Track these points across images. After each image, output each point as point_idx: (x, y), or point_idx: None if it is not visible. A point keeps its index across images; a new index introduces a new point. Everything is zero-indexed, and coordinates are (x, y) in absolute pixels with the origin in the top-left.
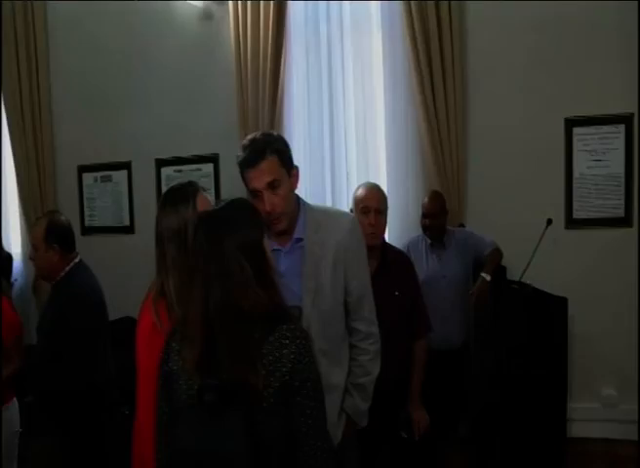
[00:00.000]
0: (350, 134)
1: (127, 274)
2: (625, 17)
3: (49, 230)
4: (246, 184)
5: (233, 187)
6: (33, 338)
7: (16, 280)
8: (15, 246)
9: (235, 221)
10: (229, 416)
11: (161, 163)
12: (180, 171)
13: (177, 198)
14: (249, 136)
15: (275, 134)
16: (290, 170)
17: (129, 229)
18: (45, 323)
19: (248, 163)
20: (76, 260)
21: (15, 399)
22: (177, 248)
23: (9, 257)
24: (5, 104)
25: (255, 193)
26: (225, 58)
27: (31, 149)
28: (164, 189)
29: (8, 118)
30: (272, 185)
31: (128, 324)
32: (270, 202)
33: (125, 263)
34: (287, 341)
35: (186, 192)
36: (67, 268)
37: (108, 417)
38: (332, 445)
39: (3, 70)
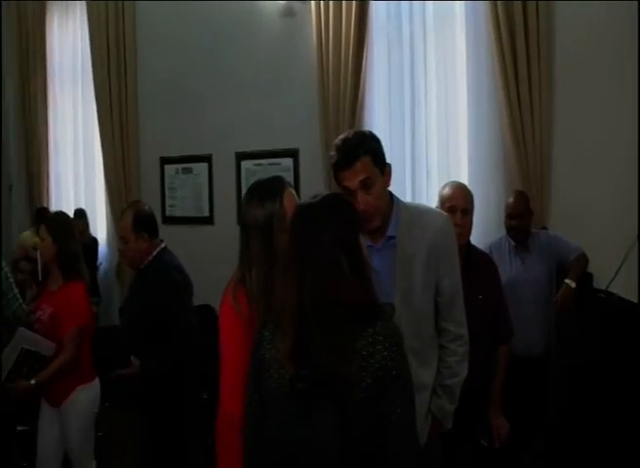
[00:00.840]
0: (431, 132)
1: (205, 263)
2: None
3: (136, 220)
4: (338, 183)
5: (312, 182)
6: (117, 319)
7: (101, 264)
8: (100, 232)
9: (332, 215)
10: (321, 407)
11: (241, 156)
12: (259, 164)
13: (264, 193)
14: (341, 136)
15: (367, 132)
16: (383, 168)
17: (208, 220)
18: (132, 305)
19: (341, 164)
20: (162, 246)
21: (96, 379)
22: (261, 242)
23: (94, 242)
24: (95, 99)
25: (348, 191)
26: (307, 55)
27: (118, 141)
28: (243, 182)
29: (97, 112)
30: (366, 185)
31: (206, 312)
32: (364, 201)
33: (203, 253)
34: (380, 338)
35: (274, 187)
36: (154, 253)
37: (188, 400)
38: (419, 446)
39: (94, 69)
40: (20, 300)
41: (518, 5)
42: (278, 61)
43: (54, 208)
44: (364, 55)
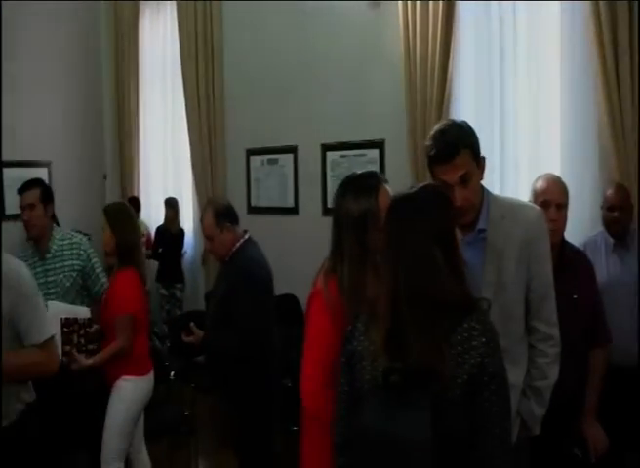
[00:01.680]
0: (521, 125)
1: (289, 253)
2: None
3: (217, 215)
4: (433, 175)
5: (398, 173)
6: (202, 304)
7: (186, 252)
8: (187, 221)
9: (427, 207)
10: (415, 401)
11: (326, 148)
12: (344, 156)
13: (359, 188)
14: (438, 127)
15: (464, 124)
16: (479, 161)
17: (293, 210)
18: (218, 293)
19: (439, 158)
20: (246, 237)
21: (146, 376)
22: (354, 237)
23: (181, 231)
24: (184, 94)
25: (444, 184)
26: (393, 45)
27: (205, 134)
28: (328, 173)
29: (186, 106)
30: (464, 180)
31: (289, 301)
32: (462, 197)
33: (287, 243)
34: (476, 334)
35: (369, 183)
36: (238, 244)
37: (273, 387)
38: (512, 448)
39: (183, 67)
40: (103, 280)
41: (623, 5)
42: (364, 53)
43: (143, 197)
44: (451, 45)
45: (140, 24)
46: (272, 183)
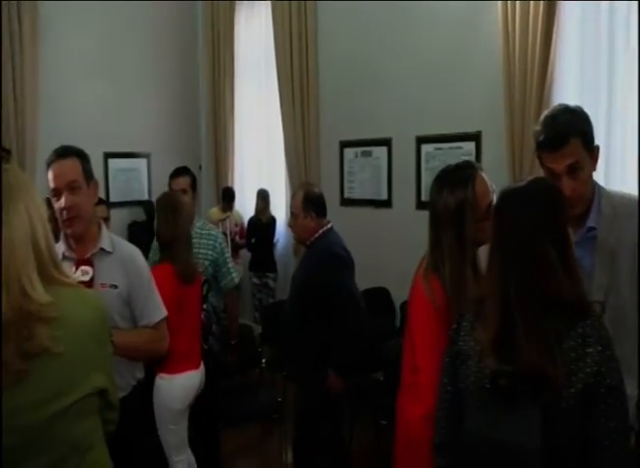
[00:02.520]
0: (629, 125)
1: (381, 247)
2: None
3: (306, 199)
4: (541, 162)
5: (496, 167)
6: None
7: (278, 241)
8: (280, 211)
9: (539, 201)
10: (524, 408)
11: (421, 140)
12: (439, 148)
13: (454, 180)
14: (549, 112)
15: (578, 109)
16: (591, 151)
17: (386, 203)
18: (297, 278)
19: (547, 145)
20: (328, 226)
21: (182, 375)
22: (452, 230)
23: (273, 221)
24: (278, 87)
25: (551, 173)
26: (491, 37)
27: (299, 126)
28: (423, 166)
29: (280, 98)
30: (573, 169)
31: (380, 294)
32: (569, 187)
33: (380, 236)
34: (591, 340)
35: (464, 174)
36: (320, 232)
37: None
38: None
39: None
40: (233, 275)
41: None
42: (461, 44)
43: (237, 187)
44: (553, 38)
45: (235, 23)
46: (366, 176)
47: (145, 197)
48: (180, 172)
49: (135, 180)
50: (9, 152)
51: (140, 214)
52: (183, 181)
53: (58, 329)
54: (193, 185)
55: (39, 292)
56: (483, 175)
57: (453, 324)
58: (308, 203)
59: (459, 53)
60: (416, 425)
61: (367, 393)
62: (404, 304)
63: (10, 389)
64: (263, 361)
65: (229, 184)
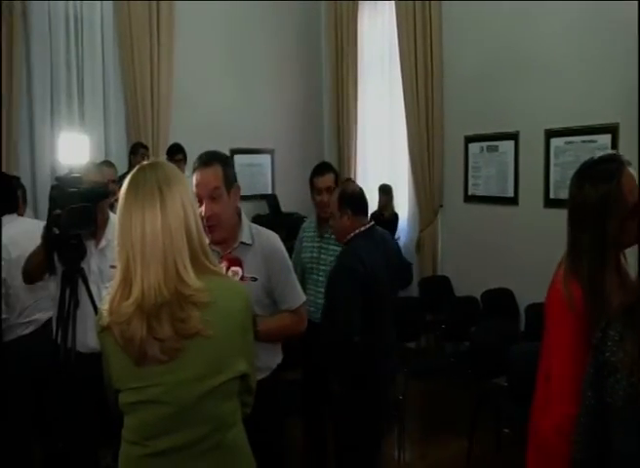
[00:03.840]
0: None
1: (506, 246)
2: None
3: (341, 197)
4: None
5: (635, 162)
6: (416, 291)
7: (399, 237)
8: (402, 207)
9: None
10: None
11: (550, 134)
12: (570, 142)
13: (597, 173)
14: None
15: None
16: None
17: (512, 201)
18: (331, 274)
19: None
20: (362, 228)
21: None
22: (594, 231)
23: (395, 217)
24: (402, 82)
25: None
26: (627, 22)
27: (422, 121)
28: (552, 161)
29: (404, 93)
30: None
31: (503, 295)
32: None
33: (505, 235)
34: None
35: (610, 167)
36: (352, 234)
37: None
38: None
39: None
40: None
41: None
42: (590, 32)
43: (360, 183)
44: None
45: (358, 22)
46: (491, 171)
47: (269, 191)
48: (324, 169)
49: (259, 175)
50: (147, 148)
51: (263, 208)
52: (329, 179)
53: (209, 314)
54: (337, 182)
55: (192, 278)
56: (631, 170)
57: (596, 332)
58: (344, 201)
59: (589, 39)
60: (548, 438)
61: (489, 399)
62: (530, 307)
63: (169, 365)
64: None
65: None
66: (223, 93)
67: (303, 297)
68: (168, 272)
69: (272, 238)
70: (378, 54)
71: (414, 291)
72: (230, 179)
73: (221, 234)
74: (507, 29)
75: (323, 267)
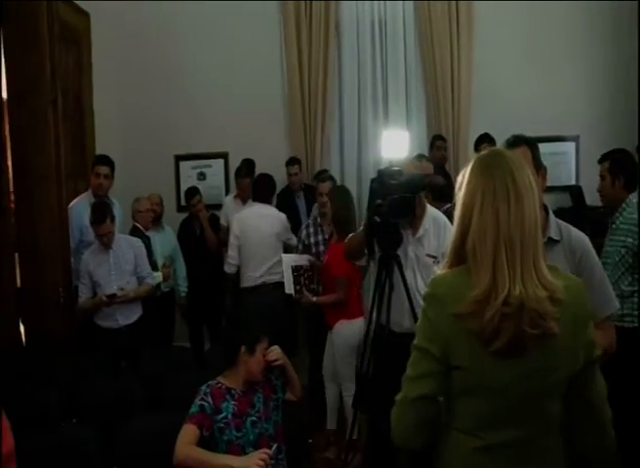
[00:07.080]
0: None
1: None
2: None
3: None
4: None
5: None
6: None
7: None
8: None
9: None
10: None
11: None
12: None
13: None
14: None
15: None
16: None
17: None
18: None
19: None
20: None
21: (359, 319)
22: None
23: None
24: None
25: None
26: None
27: None
28: None
29: None
30: None
31: None
32: None
33: None
34: None
35: None
36: None
37: None
38: None
39: None
40: None
41: None
42: None
43: None
44: None
45: None
46: None
47: (572, 182)
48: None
49: (563, 164)
50: (444, 140)
51: (566, 201)
52: None
53: (560, 311)
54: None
55: (547, 273)
56: None
57: None
58: None
59: None
60: None
61: None
62: None
63: (523, 357)
64: None
65: None
66: (522, 80)
67: (616, 306)
68: (525, 265)
69: (582, 237)
70: None
71: None
72: (539, 161)
73: None
74: None
75: None
